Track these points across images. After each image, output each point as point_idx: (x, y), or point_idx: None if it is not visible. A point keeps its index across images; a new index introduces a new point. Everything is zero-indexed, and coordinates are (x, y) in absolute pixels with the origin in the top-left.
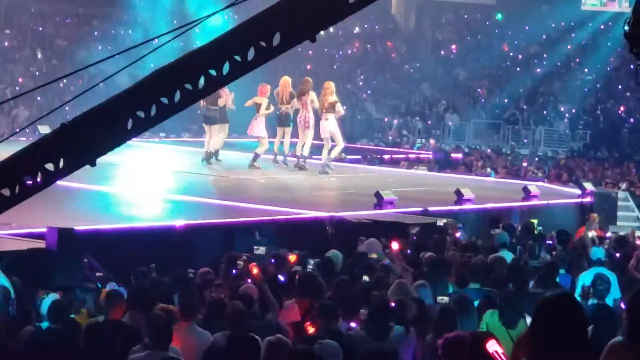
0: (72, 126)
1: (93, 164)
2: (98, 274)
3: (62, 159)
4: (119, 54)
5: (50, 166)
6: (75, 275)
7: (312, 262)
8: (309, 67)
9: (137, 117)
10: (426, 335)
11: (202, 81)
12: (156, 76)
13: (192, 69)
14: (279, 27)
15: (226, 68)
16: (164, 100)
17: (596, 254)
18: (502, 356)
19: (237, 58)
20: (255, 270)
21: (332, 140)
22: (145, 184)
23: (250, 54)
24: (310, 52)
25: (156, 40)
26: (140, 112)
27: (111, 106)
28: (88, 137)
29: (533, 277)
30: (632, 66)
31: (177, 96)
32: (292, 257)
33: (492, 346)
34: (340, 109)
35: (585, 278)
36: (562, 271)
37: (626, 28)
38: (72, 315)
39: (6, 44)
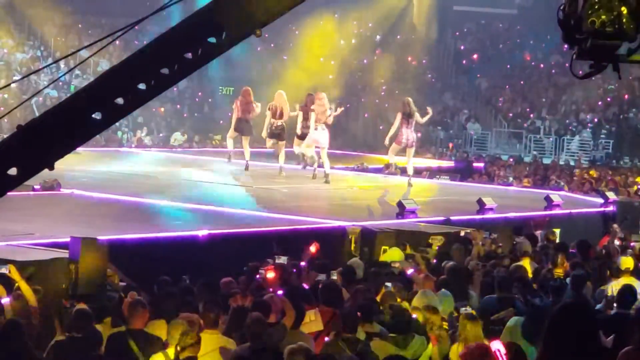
0: (29, 129)
1: (51, 168)
2: (121, 283)
3: (20, 164)
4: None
5: (12, 171)
6: (98, 284)
7: (335, 271)
8: (330, 77)
9: (94, 119)
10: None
11: (153, 81)
12: (109, 76)
13: (145, 69)
14: (225, 22)
15: (177, 66)
16: (119, 101)
17: (625, 264)
18: (504, 357)
19: (188, 56)
20: (270, 274)
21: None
22: (168, 193)
23: (199, 51)
24: (333, 62)
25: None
26: (96, 113)
27: (68, 107)
28: (46, 140)
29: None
30: None
31: (130, 96)
32: (313, 248)
33: (495, 345)
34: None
35: (614, 288)
36: None
37: (559, 15)
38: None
39: (29, 54)
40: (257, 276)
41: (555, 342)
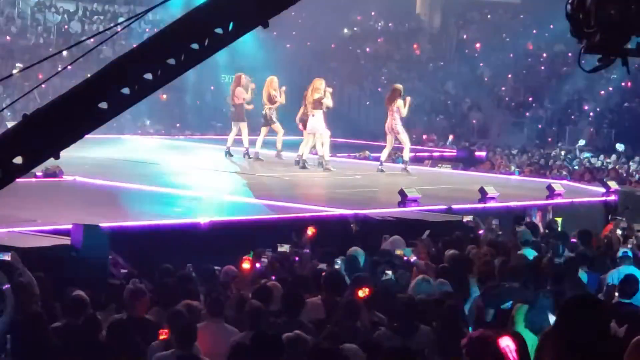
0: (35, 118)
1: (57, 157)
2: (123, 270)
3: (26, 153)
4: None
5: (18, 159)
6: (101, 271)
7: (339, 259)
8: (332, 64)
9: (100, 108)
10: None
11: (160, 71)
12: (116, 66)
13: (151, 59)
14: (232, 13)
15: (183, 57)
16: (125, 91)
17: (625, 252)
18: (514, 353)
19: (194, 46)
20: (246, 265)
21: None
22: (170, 181)
23: (206, 42)
24: (333, 46)
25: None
26: (102, 103)
27: (74, 97)
28: (52, 129)
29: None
30: None
31: (136, 86)
32: (310, 231)
33: (504, 342)
34: (328, 102)
35: (614, 276)
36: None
37: (568, 8)
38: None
39: (32, 42)
40: (259, 265)
41: (566, 333)
